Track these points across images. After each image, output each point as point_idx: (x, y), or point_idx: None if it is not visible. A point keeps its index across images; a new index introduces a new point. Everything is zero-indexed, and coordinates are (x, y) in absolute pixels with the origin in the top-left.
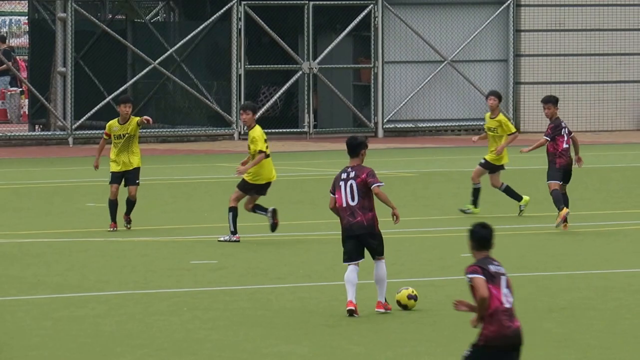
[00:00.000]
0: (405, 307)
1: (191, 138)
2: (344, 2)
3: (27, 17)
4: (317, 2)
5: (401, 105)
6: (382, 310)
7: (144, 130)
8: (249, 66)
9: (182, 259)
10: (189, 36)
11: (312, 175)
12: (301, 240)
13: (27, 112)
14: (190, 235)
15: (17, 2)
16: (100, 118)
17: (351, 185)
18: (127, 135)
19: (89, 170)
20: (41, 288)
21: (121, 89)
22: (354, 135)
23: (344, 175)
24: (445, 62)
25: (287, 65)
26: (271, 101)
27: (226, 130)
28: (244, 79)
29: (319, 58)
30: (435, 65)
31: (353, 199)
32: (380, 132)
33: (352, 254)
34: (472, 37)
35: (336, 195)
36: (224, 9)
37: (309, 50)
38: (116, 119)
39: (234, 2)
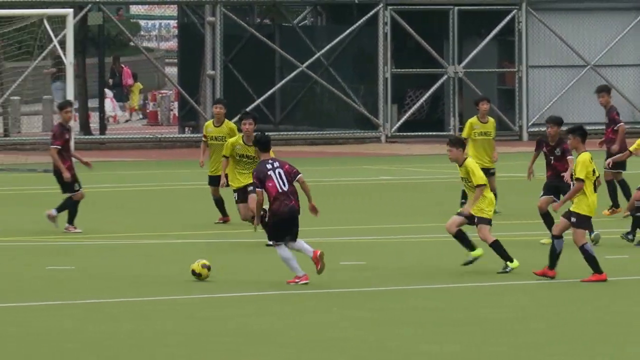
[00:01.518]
0: (199, 276)
1: (339, 140)
2: (488, 7)
3: (176, 21)
4: (462, 7)
5: (545, 108)
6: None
7: (293, 133)
8: (395, 70)
9: (332, 259)
10: (336, 40)
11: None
12: (446, 242)
13: (177, 115)
14: (337, 236)
15: (166, 6)
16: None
17: (280, 174)
18: (222, 137)
19: None
20: (191, 288)
21: (269, 92)
22: (263, 133)
23: (269, 166)
24: (588, 66)
25: (432, 69)
26: (417, 104)
27: (373, 133)
28: (391, 83)
29: (464, 62)
30: (578, 70)
31: (285, 185)
32: (525, 136)
33: (285, 234)
34: (614, 42)
35: (269, 184)
36: (370, 13)
37: (454, 54)
38: (211, 121)
39: (380, 7)
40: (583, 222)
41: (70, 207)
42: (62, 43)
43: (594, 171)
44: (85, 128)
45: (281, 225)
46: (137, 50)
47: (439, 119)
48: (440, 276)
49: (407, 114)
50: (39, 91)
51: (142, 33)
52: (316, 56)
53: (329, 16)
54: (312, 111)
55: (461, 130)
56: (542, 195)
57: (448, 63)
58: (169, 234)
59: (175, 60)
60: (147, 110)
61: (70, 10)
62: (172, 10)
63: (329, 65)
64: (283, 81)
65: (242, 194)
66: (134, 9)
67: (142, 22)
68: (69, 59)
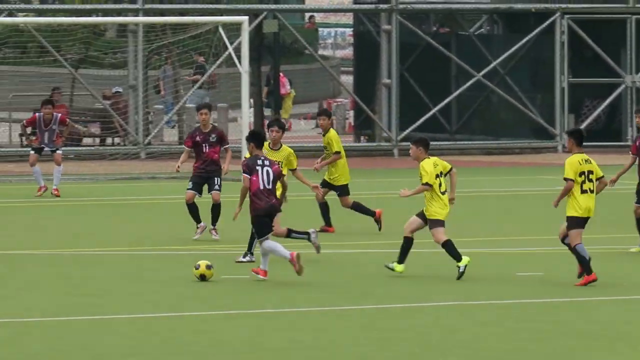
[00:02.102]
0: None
1: (515, 150)
2: None
3: (352, 29)
4: None
5: None
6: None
7: (468, 143)
8: (572, 79)
9: (508, 270)
10: (512, 49)
11: None
12: (625, 253)
13: (352, 123)
14: (514, 247)
15: (342, 14)
16: (426, 130)
17: (267, 172)
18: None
19: (412, 182)
20: (366, 298)
21: (445, 101)
22: (257, 130)
23: (259, 162)
24: None
25: (609, 79)
26: (594, 114)
27: (550, 143)
28: (567, 92)
29: None
30: None
31: (269, 184)
32: None
33: (268, 230)
34: None
35: (254, 178)
36: (547, 22)
37: (632, 64)
38: (267, 142)
39: (556, 15)
40: (573, 223)
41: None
42: (237, 50)
43: (587, 173)
44: None
45: (262, 220)
46: (313, 58)
47: (616, 129)
48: (621, 288)
49: (584, 124)
50: (214, 99)
51: (317, 41)
52: (492, 65)
53: (505, 25)
54: (488, 120)
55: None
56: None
57: (625, 72)
58: (345, 244)
59: (351, 69)
60: None
61: (246, 18)
62: (348, 18)
63: (505, 74)
64: (459, 90)
65: None
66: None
67: (320, 31)
68: (244, 67)
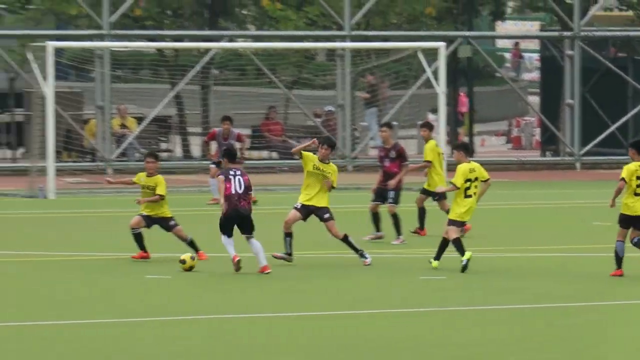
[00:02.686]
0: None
1: None
2: None
3: (538, 54)
4: None
5: None
6: (268, 271)
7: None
8: None
9: None
10: None
11: None
12: None
13: (539, 140)
14: None
15: (529, 41)
16: (605, 145)
17: (239, 180)
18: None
19: (595, 193)
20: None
21: (623, 120)
22: (231, 148)
23: (232, 173)
24: None
25: None
26: None
27: None
28: None
29: None
30: None
31: (240, 189)
32: None
33: (231, 229)
34: None
35: (227, 185)
36: None
37: None
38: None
39: None
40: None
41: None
42: (435, 73)
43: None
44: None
45: (227, 221)
46: (503, 80)
47: None
48: None
49: None
50: (414, 117)
51: (507, 65)
52: None
53: None
54: None
55: None
56: None
57: None
58: (528, 248)
59: (537, 90)
60: (512, 136)
61: (443, 44)
62: (535, 44)
63: None
64: (635, 109)
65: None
66: (500, 43)
67: (507, 55)
68: (441, 89)
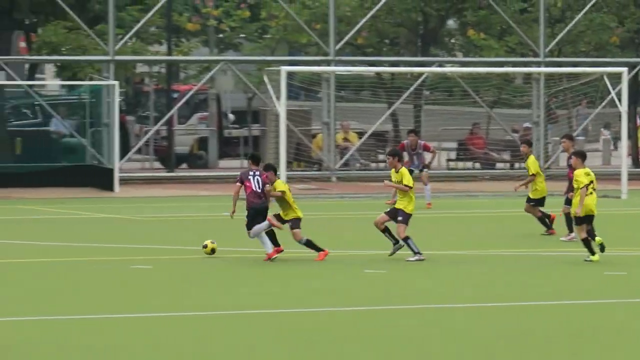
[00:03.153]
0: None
1: None
2: None
3: None
4: None
5: None
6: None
7: None
8: None
9: None
10: None
11: None
12: None
13: None
14: None
15: None
16: None
17: (258, 180)
18: None
19: None
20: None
21: None
22: (256, 153)
23: (251, 173)
24: None
25: None
26: None
27: None
28: None
29: None
30: None
31: (259, 188)
32: None
33: (255, 223)
34: None
35: (247, 184)
36: None
37: None
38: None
39: None
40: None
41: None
42: (618, 94)
43: None
44: (635, 162)
45: (252, 214)
46: None
47: None
48: None
49: None
50: (599, 133)
51: None
52: None
53: None
54: None
55: None
56: None
57: None
58: None
59: None
60: None
61: (625, 69)
62: None
63: None
64: None
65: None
66: None
67: None
68: (623, 108)
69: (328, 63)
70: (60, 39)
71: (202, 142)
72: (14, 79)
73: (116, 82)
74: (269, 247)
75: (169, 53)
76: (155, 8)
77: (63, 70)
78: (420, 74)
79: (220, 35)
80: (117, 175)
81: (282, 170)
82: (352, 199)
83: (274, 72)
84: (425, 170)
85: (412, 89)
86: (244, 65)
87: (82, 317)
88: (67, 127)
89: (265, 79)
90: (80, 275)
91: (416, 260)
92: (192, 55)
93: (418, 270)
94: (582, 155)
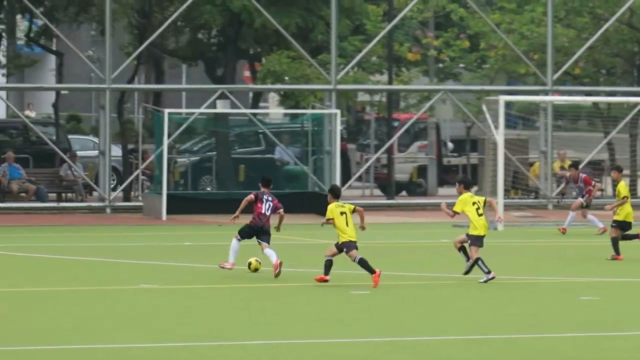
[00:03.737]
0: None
1: None
2: None
3: None
4: None
5: None
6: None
7: None
8: None
9: None
10: None
11: None
12: None
13: None
14: None
15: None
16: None
17: (269, 205)
18: None
19: None
20: None
21: None
22: (267, 176)
23: (265, 197)
24: None
25: None
26: None
27: None
28: None
29: None
30: None
31: (267, 211)
32: None
33: (248, 236)
34: None
35: (259, 204)
36: None
37: None
38: None
39: None
40: None
41: None
42: None
43: None
44: None
45: (250, 230)
46: None
47: None
48: None
49: None
50: None
51: None
52: None
53: None
54: None
55: None
56: None
57: None
58: None
59: None
60: None
61: None
62: None
63: None
64: None
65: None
66: None
67: None
68: None
69: (546, 93)
70: (283, 68)
71: (422, 170)
72: (238, 107)
73: (338, 111)
74: (275, 256)
75: (390, 82)
76: (377, 38)
77: (286, 99)
78: (636, 104)
79: (440, 65)
80: None
81: (500, 198)
82: (573, 226)
83: (492, 102)
84: (584, 203)
85: (627, 118)
86: (463, 94)
87: (317, 342)
88: (290, 155)
89: (484, 108)
90: (300, 299)
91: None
92: (412, 84)
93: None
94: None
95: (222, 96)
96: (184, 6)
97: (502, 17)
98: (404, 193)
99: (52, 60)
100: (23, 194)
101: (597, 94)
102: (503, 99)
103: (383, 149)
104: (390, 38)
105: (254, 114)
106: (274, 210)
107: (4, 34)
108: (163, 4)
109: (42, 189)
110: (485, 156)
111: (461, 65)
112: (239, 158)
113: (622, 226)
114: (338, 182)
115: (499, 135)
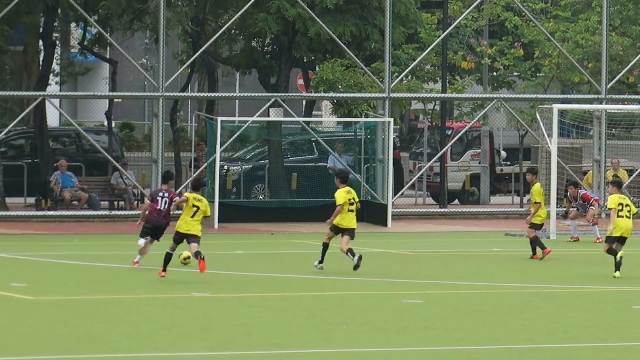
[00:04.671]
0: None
1: None
2: None
3: None
4: None
5: None
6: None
7: None
8: None
9: None
10: None
11: None
12: None
13: None
14: None
15: None
16: None
17: (166, 200)
18: None
19: None
20: None
21: None
22: (169, 171)
23: (160, 194)
24: None
25: None
26: None
27: None
28: None
29: None
30: None
31: (164, 207)
32: None
33: (148, 234)
34: None
35: (154, 205)
36: None
37: None
38: None
39: None
40: None
41: None
42: None
43: None
44: None
45: (149, 227)
46: None
47: None
48: None
49: None
50: None
51: None
52: None
53: None
54: None
55: None
56: None
57: None
58: None
59: None
60: None
61: None
62: None
63: None
64: None
65: None
66: None
67: None
68: None
69: (600, 101)
70: (337, 76)
71: (475, 179)
72: (291, 116)
73: (391, 119)
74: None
75: (444, 91)
76: (431, 47)
77: (339, 107)
78: None
79: (494, 74)
80: (390, 210)
81: (553, 207)
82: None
83: (546, 110)
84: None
85: None
86: (517, 103)
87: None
88: (343, 164)
89: (538, 116)
90: (353, 309)
91: None
92: (466, 93)
93: None
94: (618, 185)
95: (276, 104)
96: (239, 14)
97: (557, 26)
98: (456, 202)
99: (105, 68)
100: (75, 203)
101: None
102: (557, 107)
103: (436, 158)
104: (445, 46)
105: (307, 123)
106: (172, 201)
107: (58, 43)
108: (217, 12)
109: (95, 197)
110: (539, 165)
111: (515, 73)
112: (291, 167)
113: (537, 228)
114: (391, 191)
115: (553, 144)
